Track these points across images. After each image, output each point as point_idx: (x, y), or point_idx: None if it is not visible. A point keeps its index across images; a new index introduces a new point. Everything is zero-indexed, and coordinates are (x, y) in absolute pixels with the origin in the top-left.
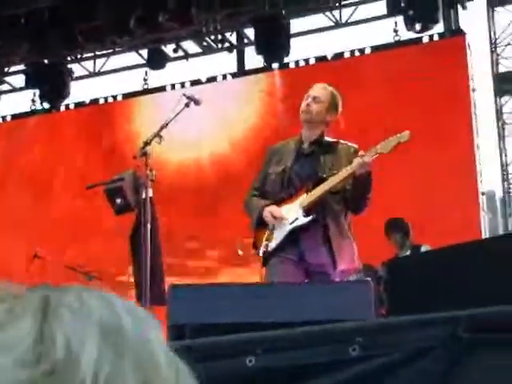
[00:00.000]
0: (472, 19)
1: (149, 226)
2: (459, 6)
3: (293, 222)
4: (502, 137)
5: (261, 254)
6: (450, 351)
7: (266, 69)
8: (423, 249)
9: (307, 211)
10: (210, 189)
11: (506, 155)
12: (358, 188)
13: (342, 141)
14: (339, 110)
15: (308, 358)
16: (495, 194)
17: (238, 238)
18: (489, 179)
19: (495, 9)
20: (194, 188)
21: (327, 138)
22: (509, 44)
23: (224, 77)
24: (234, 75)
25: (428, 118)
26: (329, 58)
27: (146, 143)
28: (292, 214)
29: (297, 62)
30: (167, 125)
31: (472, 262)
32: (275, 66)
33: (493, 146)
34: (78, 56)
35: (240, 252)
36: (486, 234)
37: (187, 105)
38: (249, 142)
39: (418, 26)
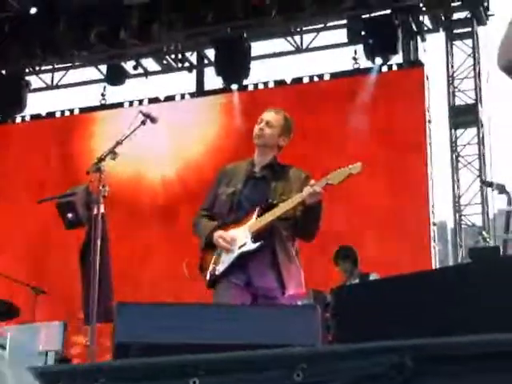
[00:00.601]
0: (431, 52)
1: (99, 242)
2: (419, 38)
3: (241, 246)
4: (455, 168)
5: (207, 278)
6: (395, 380)
7: (225, 90)
8: (371, 277)
9: (256, 237)
10: (163, 207)
11: (458, 187)
12: (307, 217)
13: (293, 167)
14: (292, 134)
15: (252, 382)
16: (447, 224)
17: (185, 259)
18: (441, 210)
19: (454, 43)
20: (146, 206)
21: (279, 163)
22: (466, 77)
23: (182, 96)
24: (192, 95)
25: (383, 147)
26: (288, 82)
27: (100, 159)
28: (240, 238)
29: (256, 85)
30: (122, 141)
31: (420, 292)
32: (234, 87)
33: (446, 178)
34: (37, 68)
35: (186, 272)
36: (436, 264)
37: (143, 122)
38: (205, 162)
39: (377, 56)
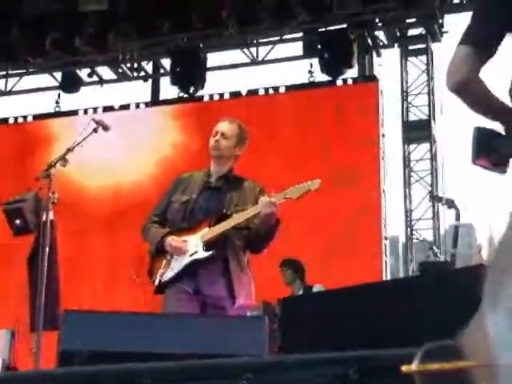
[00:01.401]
0: (386, 67)
1: (47, 249)
2: (374, 53)
3: (192, 254)
4: (407, 183)
5: (156, 283)
6: None
7: (180, 100)
8: (315, 289)
9: (208, 245)
10: (115, 216)
11: (410, 201)
12: (262, 230)
13: (249, 179)
14: (247, 143)
15: None
16: (399, 239)
17: (134, 264)
18: (393, 224)
19: (408, 58)
20: (99, 213)
21: (235, 175)
22: (419, 93)
23: (137, 105)
24: (147, 104)
25: (337, 161)
26: (243, 93)
27: (51, 165)
28: (192, 246)
29: (211, 96)
30: (73, 148)
31: (365, 304)
32: (189, 97)
33: (398, 192)
34: None
35: (135, 277)
36: (387, 278)
37: (95, 130)
38: (158, 171)
39: (332, 69)
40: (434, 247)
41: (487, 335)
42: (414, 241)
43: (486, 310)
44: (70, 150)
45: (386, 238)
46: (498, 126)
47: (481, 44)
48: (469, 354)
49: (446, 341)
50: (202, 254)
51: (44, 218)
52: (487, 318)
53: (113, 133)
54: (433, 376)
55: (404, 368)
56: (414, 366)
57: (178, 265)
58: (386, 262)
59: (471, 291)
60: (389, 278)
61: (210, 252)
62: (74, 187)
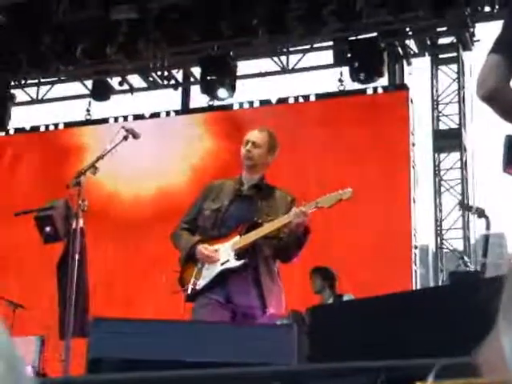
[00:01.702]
0: (416, 75)
1: (77, 256)
2: (404, 62)
3: (224, 263)
4: (437, 192)
5: (189, 291)
6: None
7: (210, 108)
8: (345, 298)
9: (239, 254)
10: (147, 224)
11: (440, 210)
12: (291, 239)
13: (281, 189)
14: (278, 150)
15: None
16: (429, 248)
17: (164, 272)
18: (423, 234)
19: (439, 67)
20: (130, 222)
21: (267, 183)
22: (450, 102)
23: (168, 113)
24: (177, 112)
25: (367, 169)
26: (273, 102)
27: (81, 173)
28: (223, 254)
29: (241, 104)
30: (103, 156)
31: (394, 313)
32: (219, 105)
33: (429, 201)
34: (22, 81)
35: (165, 282)
36: (417, 287)
37: (125, 138)
38: (189, 179)
39: (362, 78)
40: (465, 257)
41: (503, 352)
42: (445, 250)
43: (501, 325)
44: (100, 157)
45: (415, 247)
46: None
47: (511, 53)
48: (484, 371)
49: (462, 357)
50: (234, 262)
51: (74, 226)
52: (503, 334)
53: (143, 141)
54: None
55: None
56: (428, 382)
57: (209, 273)
58: (415, 271)
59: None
60: (419, 287)
61: (242, 261)
62: (106, 195)
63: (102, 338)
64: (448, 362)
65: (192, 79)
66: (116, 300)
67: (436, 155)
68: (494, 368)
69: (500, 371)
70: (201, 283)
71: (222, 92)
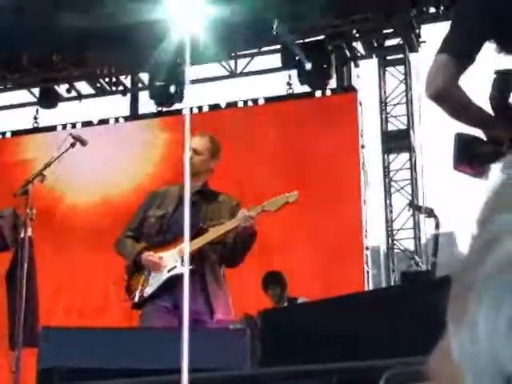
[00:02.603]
0: (364, 78)
1: (25, 266)
2: (352, 64)
3: (171, 269)
4: (388, 193)
5: (136, 300)
6: None
7: (160, 114)
8: (300, 301)
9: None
10: (97, 231)
11: (391, 211)
12: (238, 243)
13: (224, 193)
14: (220, 155)
15: None
16: (380, 248)
17: (110, 282)
18: (374, 235)
19: (386, 69)
20: (79, 229)
21: (210, 189)
22: (398, 103)
23: (116, 120)
24: (126, 119)
25: (317, 172)
26: (222, 106)
27: (28, 181)
28: (170, 261)
29: (190, 109)
30: (51, 164)
31: (346, 315)
32: (168, 111)
33: (379, 202)
34: None
35: (112, 293)
36: (369, 288)
37: (73, 145)
38: (140, 185)
39: (311, 81)
40: (416, 257)
41: (451, 353)
42: (396, 250)
43: (449, 327)
44: (47, 165)
45: (367, 248)
46: (479, 133)
47: (459, 53)
48: (434, 377)
49: (411, 364)
50: (181, 269)
51: (22, 235)
52: (451, 337)
53: (92, 148)
54: None
55: None
56: None
57: (156, 281)
58: (368, 272)
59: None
60: (371, 288)
61: (189, 267)
62: (55, 203)
63: (52, 348)
64: (394, 373)
65: (140, 85)
66: (65, 309)
67: (385, 156)
68: (442, 371)
69: (448, 374)
70: (148, 291)
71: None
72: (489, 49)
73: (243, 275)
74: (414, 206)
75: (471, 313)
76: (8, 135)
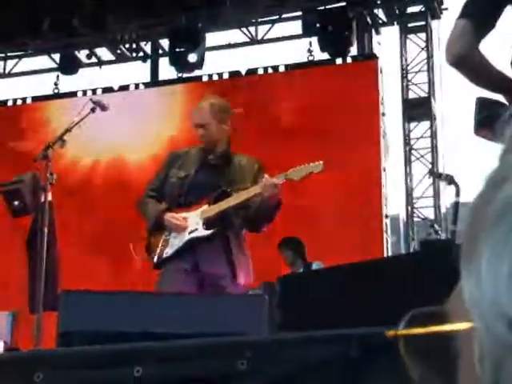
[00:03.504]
0: (385, 45)
1: (46, 230)
2: (373, 31)
3: (192, 231)
4: (408, 161)
5: (155, 260)
6: (341, 368)
7: (179, 80)
8: (314, 266)
9: (207, 223)
10: (117, 195)
11: (411, 180)
12: (263, 210)
13: (247, 156)
14: (229, 112)
15: (196, 370)
16: (399, 217)
17: (131, 242)
18: (394, 203)
19: (408, 36)
20: (99, 193)
21: (233, 152)
22: (419, 71)
23: (137, 86)
24: (146, 85)
25: (337, 140)
26: (242, 73)
27: (48, 146)
28: (191, 223)
29: (210, 76)
30: (71, 129)
31: (366, 281)
32: (188, 77)
33: (399, 170)
34: None
35: (134, 254)
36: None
37: (93, 110)
38: (159, 150)
39: (331, 48)
40: (435, 225)
41: (463, 297)
42: (415, 219)
43: (462, 271)
44: (67, 130)
45: (386, 217)
46: (499, 97)
47: (479, 17)
48: (452, 318)
49: (432, 307)
50: (202, 231)
51: (42, 199)
52: (463, 280)
53: (113, 113)
54: (418, 341)
55: (389, 332)
56: (399, 331)
57: (177, 242)
58: (387, 240)
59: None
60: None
61: (211, 230)
62: (74, 168)
63: (72, 311)
64: (418, 312)
65: (161, 51)
66: (84, 272)
67: (406, 124)
68: (459, 314)
69: (462, 316)
70: (168, 251)
71: (192, 57)
72: (509, 13)
73: (265, 241)
74: (435, 174)
75: (478, 255)
76: (28, 101)
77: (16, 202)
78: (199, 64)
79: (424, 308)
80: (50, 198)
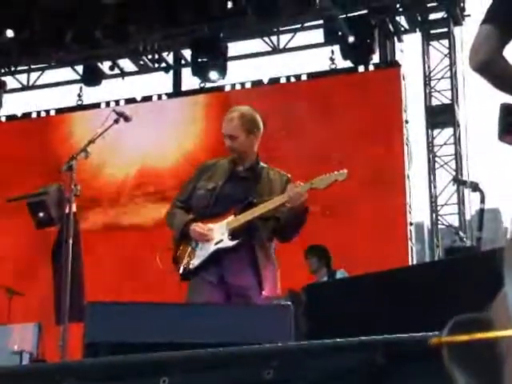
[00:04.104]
0: (407, 52)
1: (71, 241)
2: (395, 39)
3: (218, 242)
4: (431, 169)
5: (181, 271)
6: (368, 376)
7: (202, 90)
8: (338, 274)
9: (233, 234)
10: (138, 207)
11: (435, 187)
12: (290, 219)
13: (275, 169)
14: (258, 125)
15: (223, 380)
16: (424, 224)
17: (157, 251)
18: (418, 210)
19: (430, 43)
20: (118, 205)
21: (261, 164)
22: (442, 78)
23: (159, 97)
24: (169, 95)
25: (360, 147)
26: (265, 82)
27: (72, 157)
28: (217, 234)
29: (233, 85)
30: (95, 140)
31: (390, 289)
32: (211, 87)
33: (423, 178)
34: (12, 68)
35: (160, 265)
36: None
37: (116, 121)
38: (182, 161)
39: (354, 56)
40: (460, 232)
41: (508, 305)
42: (440, 226)
43: (506, 282)
44: (91, 141)
45: (411, 224)
46: None
47: (503, 23)
48: (496, 326)
49: (474, 314)
50: (228, 242)
51: (67, 211)
52: (508, 289)
53: (135, 125)
54: (461, 348)
55: (433, 340)
56: (443, 338)
57: (202, 253)
58: (411, 248)
59: (498, 273)
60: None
61: (236, 241)
62: (98, 179)
63: (98, 323)
64: (461, 319)
65: (183, 61)
66: (111, 282)
67: (429, 131)
68: (503, 321)
69: (504, 321)
70: (194, 263)
71: (213, 74)
72: None
73: (292, 251)
74: (459, 181)
75: None
76: (52, 113)
77: (41, 214)
78: (221, 74)
79: (466, 315)
80: (74, 209)
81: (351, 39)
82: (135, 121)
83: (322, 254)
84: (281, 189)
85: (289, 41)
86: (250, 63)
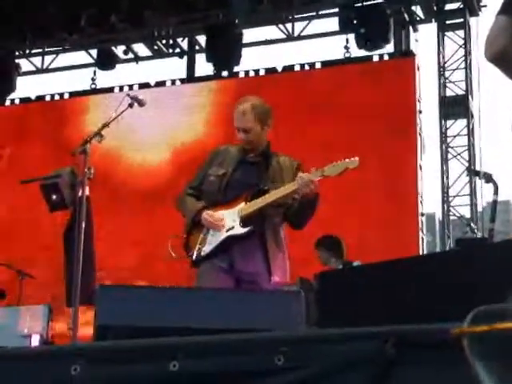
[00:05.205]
0: (422, 42)
1: (83, 224)
2: (411, 28)
3: (229, 229)
4: (444, 159)
5: (193, 258)
6: (377, 366)
7: (216, 77)
8: (355, 265)
9: (245, 221)
10: (152, 192)
11: (447, 177)
12: (303, 206)
13: (286, 155)
14: (271, 115)
15: (233, 366)
16: (435, 215)
17: (169, 239)
18: (429, 201)
19: (445, 33)
20: (134, 189)
21: (272, 151)
22: (457, 68)
23: (173, 82)
24: (183, 81)
25: (373, 137)
26: (279, 70)
27: (86, 141)
28: (229, 221)
29: (247, 72)
30: (109, 124)
31: (403, 278)
32: (225, 74)
33: (435, 168)
34: (27, 51)
35: (173, 255)
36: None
37: (131, 105)
38: (193, 148)
39: (368, 45)
40: (472, 224)
41: None
42: (451, 217)
43: None
44: (105, 125)
45: (422, 215)
46: None
47: None
48: None
49: (496, 304)
50: (239, 229)
51: (80, 194)
52: None
53: (149, 109)
54: (482, 338)
55: (455, 330)
56: (464, 328)
57: (214, 240)
58: (422, 238)
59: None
60: None
61: (247, 228)
62: (111, 163)
63: (109, 306)
64: (482, 310)
65: (197, 47)
66: (123, 267)
67: (443, 122)
68: None
69: None
70: (206, 249)
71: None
72: None
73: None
74: (473, 172)
75: None
76: (66, 96)
77: (54, 196)
78: (235, 60)
79: (488, 306)
80: (87, 192)
81: (365, 28)
82: (149, 106)
83: (329, 245)
84: (292, 175)
85: (304, 28)
86: (265, 50)
